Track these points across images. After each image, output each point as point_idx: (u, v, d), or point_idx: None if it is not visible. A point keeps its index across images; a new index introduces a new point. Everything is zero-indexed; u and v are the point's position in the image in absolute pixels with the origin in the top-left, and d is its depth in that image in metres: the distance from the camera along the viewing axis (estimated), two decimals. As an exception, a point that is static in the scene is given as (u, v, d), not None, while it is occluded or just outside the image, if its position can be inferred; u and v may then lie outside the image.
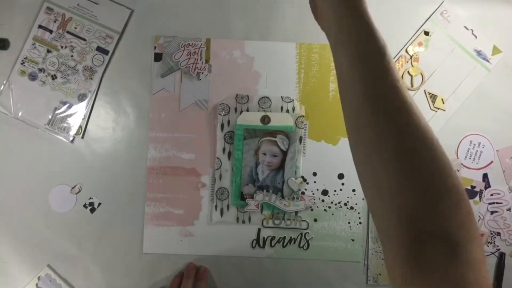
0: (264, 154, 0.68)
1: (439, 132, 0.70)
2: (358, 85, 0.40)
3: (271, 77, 0.70)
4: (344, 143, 0.70)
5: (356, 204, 0.70)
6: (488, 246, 0.70)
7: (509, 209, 0.70)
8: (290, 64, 0.70)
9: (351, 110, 0.41)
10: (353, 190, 0.70)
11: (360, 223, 0.69)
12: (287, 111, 0.69)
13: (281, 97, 0.69)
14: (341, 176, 0.70)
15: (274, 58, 0.70)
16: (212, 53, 0.70)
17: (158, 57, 0.70)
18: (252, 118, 0.69)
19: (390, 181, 0.38)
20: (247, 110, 0.69)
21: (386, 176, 0.38)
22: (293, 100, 0.69)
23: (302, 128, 0.69)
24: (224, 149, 0.69)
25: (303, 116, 0.69)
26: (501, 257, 0.69)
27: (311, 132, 0.70)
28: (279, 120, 0.68)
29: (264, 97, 0.69)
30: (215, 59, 0.70)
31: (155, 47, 0.70)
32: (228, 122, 0.69)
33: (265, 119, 0.69)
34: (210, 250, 0.69)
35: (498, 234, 0.70)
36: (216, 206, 0.69)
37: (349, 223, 0.70)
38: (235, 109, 0.69)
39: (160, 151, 0.69)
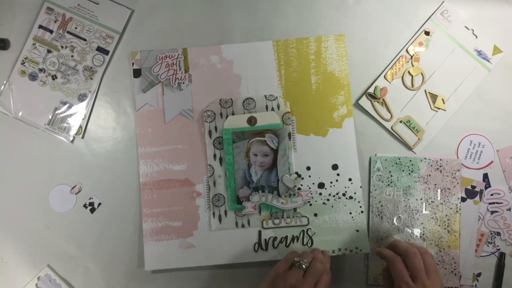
0: (255, 154, 0.68)
1: (439, 132, 0.70)
2: None
3: (252, 77, 0.70)
4: (333, 133, 0.69)
5: (354, 193, 0.69)
6: (488, 246, 0.70)
7: (509, 209, 0.70)
8: (269, 62, 0.70)
9: None
10: (349, 179, 0.69)
11: (362, 212, 0.69)
12: (272, 109, 0.69)
13: (265, 96, 0.69)
14: (335, 167, 0.69)
15: (253, 58, 0.70)
16: (190, 62, 0.70)
17: (137, 73, 0.69)
18: (238, 121, 0.68)
19: None
20: (233, 114, 0.69)
21: None
22: (277, 97, 0.69)
23: (290, 124, 0.69)
24: (215, 155, 0.68)
25: (289, 112, 0.69)
26: (501, 257, 0.69)
27: (299, 127, 0.70)
28: (265, 119, 0.68)
29: (247, 98, 0.69)
30: (194, 67, 0.70)
31: (133, 64, 0.69)
32: (216, 128, 0.69)
33: (251, 120, 0.68)
34: (213, 260, 0.68)
35: (498, 234, 0.70)
36: (213, 213, 0.68)
37: (350, 213, 0.69)
38: (221, 114, 0.69)
39: (151, 166, 0.69)
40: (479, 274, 0.70)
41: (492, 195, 0.70)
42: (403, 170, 0.70)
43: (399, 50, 0.71)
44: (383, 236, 0.69)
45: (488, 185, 0.70)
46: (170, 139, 0.69)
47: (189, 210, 0.69)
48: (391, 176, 0.70)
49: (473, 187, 0.70)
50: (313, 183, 0.69)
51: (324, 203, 0.69)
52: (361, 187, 0.69)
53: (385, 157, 0.70)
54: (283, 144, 0.68)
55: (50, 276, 0.68)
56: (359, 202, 0.69)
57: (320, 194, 0.69)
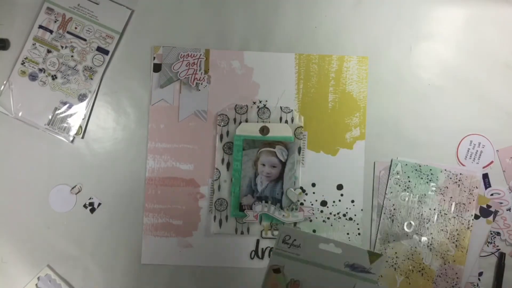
0: (263, 164, 0.68)
1: (439, 132, 0.70)
2: None
3: (270, 87, 0.70)
4: (343, 154, 0.69)
5: (355, 215, 0.69)
6: (488, 246, 0.70)
7: (509, 209, 0.70)
8: (289, 74, 0.70)
9: None
10: (352, 201, 0.69)
11: (359, 234, 0.69)
12: (286, 121, 0.69)
13: (280, 107, 0.69)
14: (340, 187, 0.69)
15: (273, 68, 0.70)
16: (211, 64, 0.70)
17: (157, 67, 0.70)
18: (251, 129, 0.68)
19: None
20: (246, 121, 0.69)
21: None
22: (292, 110, 0.69)
23: (301, 138, 0.69)
24: (223, 160, 0.69)
25: (302, 126, 0.69)
26: (501, 257, 0.69)
27: (310, 143, 0.70)
28: (278, 130, 0.68)
29: (263, 107, 0.69)
30: (214, 69, 0.70)
31: (154, 58, 0.69)
32: (227, 132, 0.69)
33: (264, 130, 0.68)
34: (208, 261, 0.69)
35: (498, 234, 0.70)
36: (214, 217, 0.68)
37: (348, 234, 0.69)
38: (234, 119, 0.69)
39: (158, 162, 0.69)
40: (480, 273, 0.70)
41: (492, 195, 0.70)
42: (422, 178, 0.69)
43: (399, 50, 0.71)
44: (390, 239, 0.69)
45: (488, 185, 0.70)
46: (181, 138, 0.69)
47: (191, 210, 0.69)
48: (409, 181, 0.69)
49: (489, 206, 0.69)
50: (316, 200, 0.69)
51: (324, 221, 0.69)
52: (362, 210, 0.69)
53: (406, 162, 0.69)
54: (292, 157, 0.68)
55: (50, 276, 0.68)
56: (357, 224, 0.69)
57: (322, 211, 0.69)
